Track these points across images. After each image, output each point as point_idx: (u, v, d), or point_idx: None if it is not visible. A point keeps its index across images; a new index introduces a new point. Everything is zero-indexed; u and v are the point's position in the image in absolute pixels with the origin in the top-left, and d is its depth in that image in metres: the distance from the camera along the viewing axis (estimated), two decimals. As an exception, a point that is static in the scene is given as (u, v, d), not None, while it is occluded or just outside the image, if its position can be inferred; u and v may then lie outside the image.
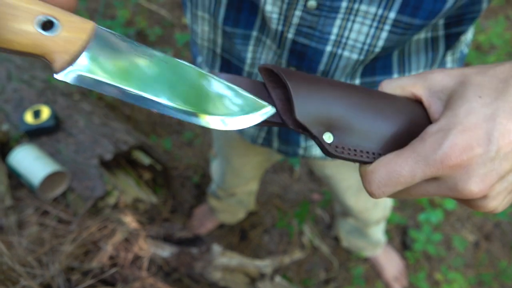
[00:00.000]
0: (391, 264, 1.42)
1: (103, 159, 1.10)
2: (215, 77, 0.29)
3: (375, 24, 0.44)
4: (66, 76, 0.25)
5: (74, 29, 0.24)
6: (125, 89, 0.25)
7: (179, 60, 0.29)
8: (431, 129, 0.29)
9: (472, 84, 0.30)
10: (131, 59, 0.26)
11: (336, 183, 0.94)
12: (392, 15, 0.43)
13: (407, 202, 1.59)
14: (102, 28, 0.26)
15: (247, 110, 0.29)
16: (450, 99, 0.31)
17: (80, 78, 0.25)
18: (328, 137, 0.32)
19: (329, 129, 0.32)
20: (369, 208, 1.06)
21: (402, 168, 0.29)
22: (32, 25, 0.23)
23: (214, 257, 1.08)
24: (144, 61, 0.26)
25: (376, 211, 1.10)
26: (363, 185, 0.32)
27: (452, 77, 0.32)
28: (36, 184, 0.99)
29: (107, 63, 0.25)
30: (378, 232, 1.29)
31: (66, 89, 1.30)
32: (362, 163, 0.31)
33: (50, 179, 1.05)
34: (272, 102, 0.32)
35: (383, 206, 1.12)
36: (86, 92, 1.42)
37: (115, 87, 0.25)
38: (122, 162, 1.22)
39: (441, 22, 0.46)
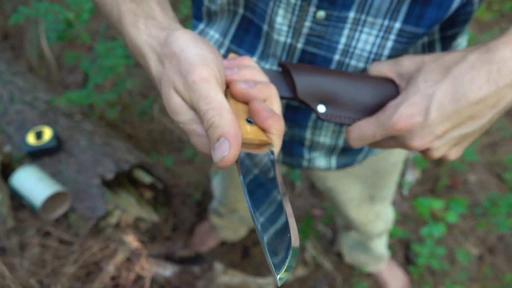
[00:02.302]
0: (395, 279, 1.40)
1: (105, 179, 1.11)
2: None
3: (381, 34, 0.47)
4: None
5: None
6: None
7: None
8: (390, 104, 0.40)
9: (424, 70, 0.40)
10: None
11: (338, 196, 0.94)
12: (397, 25, 0.45)
13: (409, 216, 1.59)
14: None
15: None
16: (408, 82, 0.41)
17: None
18: (321, 108, 0.44)
19: (322, 102, 0.44)
20: (371, 220, 1.06)
21: (367, 130, 0.41)
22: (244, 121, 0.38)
23: (216, 276, 1.08)
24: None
25: (378, 223, 1.10)
26: (346, 139, 0.44)
27: (414, 64, 0.42)
28: (38, 205, 0.99)
29: None
30: (380, 246, 1.28)
31: (67, 110, 1.32)
32: (346, 125, 0.44)
33: (52, 200, 1.05)
34: (286, 86, 0.45)
35: (385, 219, 1.11)
36: (88, 112, 1.43)
37: None
38: (123, 181, 1.22)
39: (436, 26, 0.47)
